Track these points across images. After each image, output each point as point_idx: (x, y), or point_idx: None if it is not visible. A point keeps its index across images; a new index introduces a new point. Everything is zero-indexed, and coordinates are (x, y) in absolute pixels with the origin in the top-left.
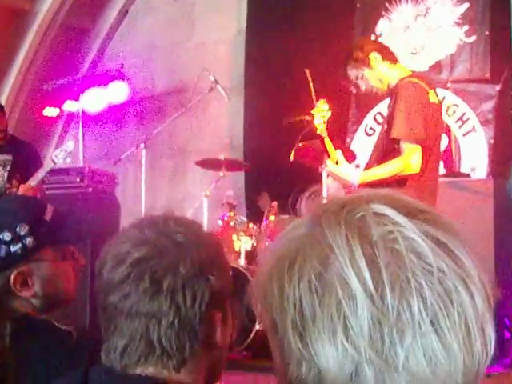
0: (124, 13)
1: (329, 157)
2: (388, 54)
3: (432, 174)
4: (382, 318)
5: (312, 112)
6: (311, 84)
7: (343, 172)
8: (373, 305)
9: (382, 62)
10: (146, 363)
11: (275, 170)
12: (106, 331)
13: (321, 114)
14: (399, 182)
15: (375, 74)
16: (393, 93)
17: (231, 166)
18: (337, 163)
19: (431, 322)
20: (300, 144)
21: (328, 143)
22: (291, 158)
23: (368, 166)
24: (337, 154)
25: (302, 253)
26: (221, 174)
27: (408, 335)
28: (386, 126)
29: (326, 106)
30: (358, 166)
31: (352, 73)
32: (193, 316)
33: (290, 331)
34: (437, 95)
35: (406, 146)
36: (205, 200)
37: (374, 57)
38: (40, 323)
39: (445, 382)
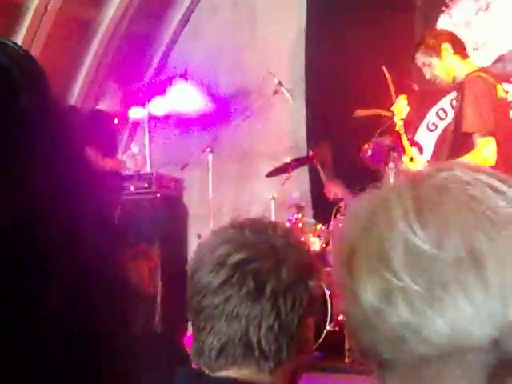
0: (187, 17)
1: (404, 154)
2: (460, 48)
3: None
4: (421, 245)
5: (392, 109)
6: (389, 80)
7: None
8: (412, 234)
9: (452, 55)
10: (242, 364)
11: (341, 172)
12: (200, 332)
13: (400, 110)
14: None
15: (443, 65)
16: (460, 87)
17: (296, 164)
18: (411, 160)
19: (471, 255)
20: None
21: (405, 140)
22: (367, 150)
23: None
24: (412, 151)
25: (365, 206)
26: (287, 175)
27: (445, 265)
28: (454, 121)
29: (405, 102)
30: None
31: (420, 59)
32: (291, 320)
33: (341, 268)
34: (504, 90)
35: (479, 139)
36: (272, 202)
37: (446, 48)
38: None
39: (483, 323)
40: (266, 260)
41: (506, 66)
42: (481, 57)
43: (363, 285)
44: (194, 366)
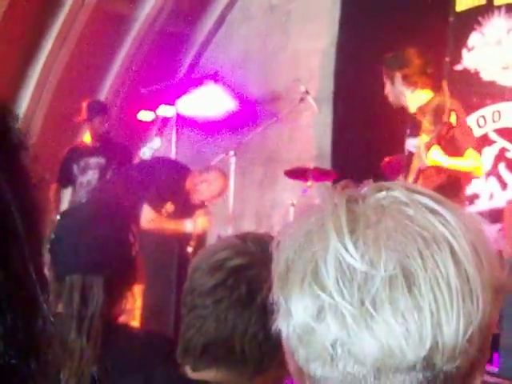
0: (221, 20)
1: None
2: (413, 79)
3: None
4: (352, 262)
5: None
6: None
7: (435, 159)
8: (344, 250)
9: (401, 85)
10: (221, 366)
11: (363, 180)
12: (188, 330)
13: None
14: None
15: (393, 90)
16: (427, 112)
17: (319, 175)
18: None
19: (403, 273)
20: (387, 159)
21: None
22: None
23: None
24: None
25: (301, 221)
26: (308, 183)
27: (376, 283)
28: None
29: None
30: None
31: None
32: (277, 331)
33: (276, 285)
34: None
35: (473, 153)
36: (291, 209)
37: (397, 76)
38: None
39: (413, 339)
40: (262, 269)
41: None
42: (510, 76)
43: (295, 301)
44: (178, 364)
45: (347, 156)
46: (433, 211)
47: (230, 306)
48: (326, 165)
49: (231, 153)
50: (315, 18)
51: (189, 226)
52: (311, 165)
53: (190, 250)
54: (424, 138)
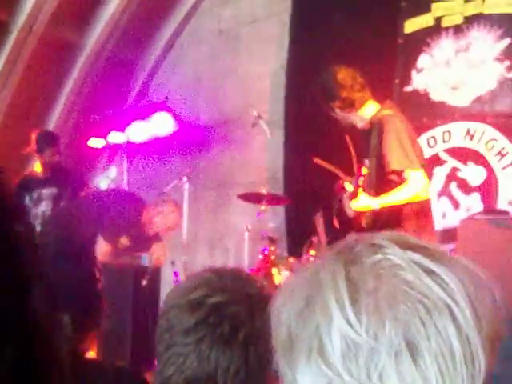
0: (170, 45)
1: (354, 198)
2: (347, 104)
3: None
4: (356, 338)
5: (344, 183)
6: (351, 148)
7: (363, 203)
8: (349, 326)
9: (342, 113)
10: None
11: (315, 205)
12: (167, 367)
13: (349, 185)
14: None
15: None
16: (372, 128)
17: (272, 200)
18: (351, 197)
19: (407, 344)
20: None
21: (346, 186)
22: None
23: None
24: (359, 194)
25: (299, 283)
26: (262, 207)
27: (382, 357)
28: (375, 159)
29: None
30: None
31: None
32: (258, 368)
33: (280, 353)
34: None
35: (410, 175)
36: (246, 233)
37: (337, 106)
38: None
39: None
40: (242, 306)
41: (483, 107)
42: (459, 96)
43: (302, 375)
44: None
45: (299, 179)
46: (429, 272)
47: (212, 344)
48: (279, 188)
49: (184, 178)
50: (264, 42)
51: (144, 259)
52: (264, 188)
53: (144, 283)
54: (348, 187)
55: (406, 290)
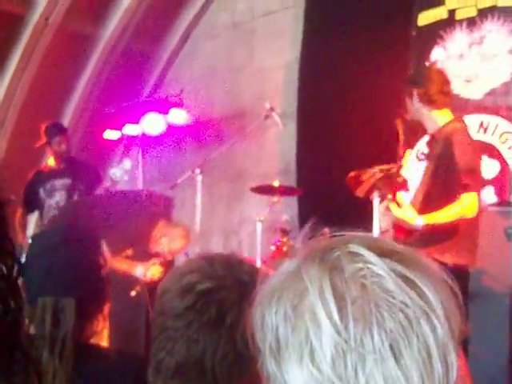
0: (185, 38)
1: (393, 200)
2: (429, 98)
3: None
4: (344, 345)
5: (402, 163)
6: (401, 133)
7: (407, 216)
8: (337, 334)
9: (418, 102)
10: None
11: (328, 197)
12: (159, 351)
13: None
14: (453, 229)
15: (413, 109)
16: (442, 137)
17: (285, 191)
18: (398, 204)
19: (391, 349)
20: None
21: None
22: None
23: (416, 206)
24: (401, 197)
25: (283, 287)
26: (275, 199)
27: (369, 362)
28: (434, 169)
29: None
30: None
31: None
32: (247, 353)
33: (267, 355)
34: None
35: (465, 195)
36: (259, 225)
37: (415, 94)
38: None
39: None
40: (231, 292)
41: (496, 100)
42: (473, 89)
43: (293, 379)
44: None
45: (312, 171)
46: (406, 280)
47: (200, 328)
48: (292, 180)
49: (197, 170)
50: (279, 35)
51: (139, 271)
52: (277, 180)
53: (133, 294)
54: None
55: (388, 299)
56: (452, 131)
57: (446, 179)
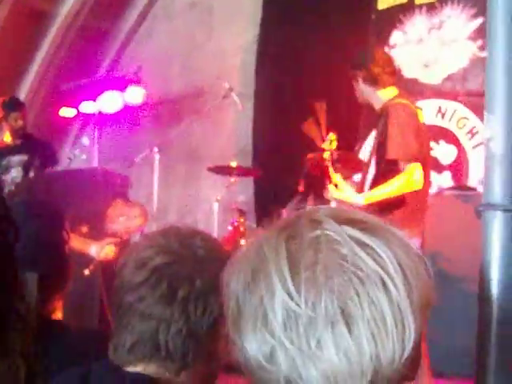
0: (143, 16)
1: (330, 182)
2: (372, 78)
3: (426, 187)
4: (297, 309)
5: (323, 146)
6: (322, 116)
7: (345, 196)
8: (289, 298)
9: (362, 83)
10: (150, 362)
11: (284, 177)
12: (118, 327)
13: (329, 147)
14: (400, 200)
15: (359, 90)
16: (382, 114)
17: (242, 172)
18: (336, 186)
19: (342, 313)
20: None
21: (331, 171)
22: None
23: (362, 187)
24: (337, 179)
25: (246, 256)
26: (232, 179)
27: (320, 326)
28: (376, 146)
29: (334, 137)
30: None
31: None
32: (200, 327)
33: (230, 323)
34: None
35: (405, 166)
36: (215, 204)
37: (359, 75)
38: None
39: (355, 372)
40: (184, 267)
41: (455, 85)
42: (431, 74)
43: (249, 342)
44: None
45: (268, 152)
46: (363, 246)
47: (152, 304)
48: (248, 161)
49: (155, 149)
50: (237, 15)
51: (93, 250)
52: (234, 161)
53: (86, 273)
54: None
55: (342, 264)
56: (389, 106)
57: (383, 155)
